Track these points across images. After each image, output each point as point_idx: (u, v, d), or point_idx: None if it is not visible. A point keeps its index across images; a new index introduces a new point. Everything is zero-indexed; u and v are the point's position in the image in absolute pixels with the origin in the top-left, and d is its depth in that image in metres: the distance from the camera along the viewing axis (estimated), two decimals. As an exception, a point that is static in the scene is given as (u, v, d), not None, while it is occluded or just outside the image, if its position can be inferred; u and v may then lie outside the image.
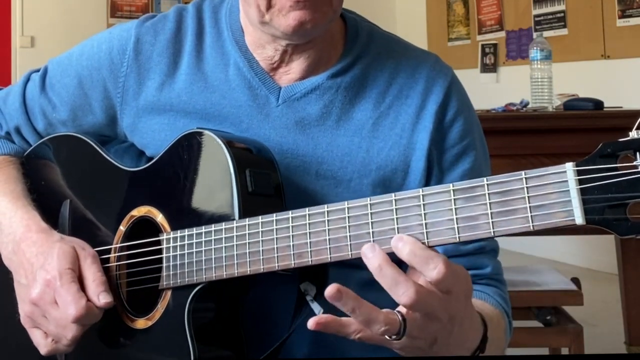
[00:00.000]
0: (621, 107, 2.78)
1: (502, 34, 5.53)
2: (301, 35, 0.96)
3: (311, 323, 0.73)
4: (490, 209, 0.71)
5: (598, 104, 2.60)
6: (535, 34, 4.95)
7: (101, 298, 0.91)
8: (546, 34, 4.76)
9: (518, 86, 3.78)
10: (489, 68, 5.64)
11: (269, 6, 0.94)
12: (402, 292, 0.72)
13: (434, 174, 1.01)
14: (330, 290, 0.72)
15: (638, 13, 4.35)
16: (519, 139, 2.43)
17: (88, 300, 0.91)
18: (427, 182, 1.01)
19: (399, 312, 0.74)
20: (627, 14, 4.41)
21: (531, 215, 0.68)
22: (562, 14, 4.92)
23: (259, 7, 0.95)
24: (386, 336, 0.74)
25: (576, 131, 2.43)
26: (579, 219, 0.66)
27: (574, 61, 4.64)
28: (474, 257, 1.03)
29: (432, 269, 0.72)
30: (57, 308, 0.91)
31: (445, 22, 6.17)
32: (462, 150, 1.03)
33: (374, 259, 0.74)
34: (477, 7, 5.80)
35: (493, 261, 1.05)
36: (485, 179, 0.72)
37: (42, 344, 0.96)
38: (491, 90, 5.05)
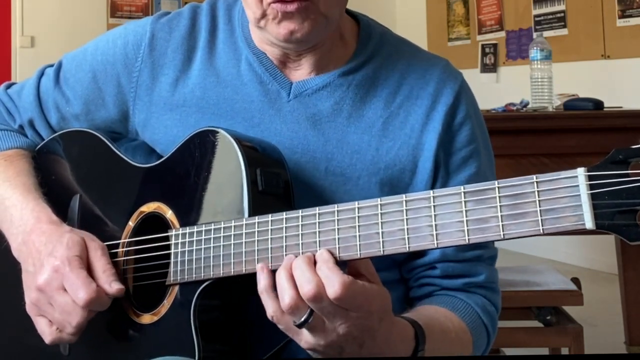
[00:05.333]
0: (621, 107, 2.78)
1: (502, 34, 5.53)
2: (294, 43, 0.98)
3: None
4: (501, 212, 0.71)
5: (598, 104, 2.60)
6: (535, 34, 4.94)
7: (113, 285, 0.92)
8: (546, 34, 4.76)
9: (518, 86, 3.78)
10: (489, 68, 5.64)
11: (263, 15, 0.96)
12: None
13: (440, 175, 1.02)
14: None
15: (638, 13, 4.35)
16: (519, 139, 2.43)
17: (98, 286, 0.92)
18: (433, 183, 1.02)
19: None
20: (627, 14, 4.41)
21: (541, 219, 0.69)
22: (562, 14, 4.92)
23: (255, 14, 0.97)
24: (293, 320, 0.79)
25: (576, 131, 2.43)
26: (589, 224, 0.67)
27: (574, 61, 4.63)
28: (470, 265, 1.04)
29: (330, 287, 0.76)
30: (63, 294, 0.92)
31: (445, 22, 6.17)
32: (468, 154, 1.03)
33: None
34: (477, 7, 5.80)
35: (489, 269, 1.06)
36: (496, 182, 0.72)
37: (47, 332, 0.96)
38: (491, 90, 5.04)
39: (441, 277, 1.03)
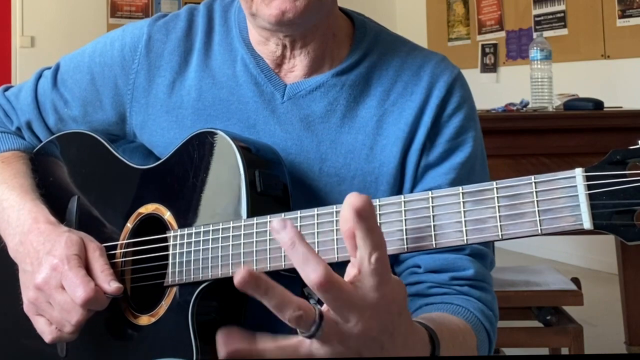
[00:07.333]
0: (621, 107, 2.79)
1: (502, 34, 5.53)
2: (286, 25, 0.96)
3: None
4: (499, 212, 0.71)
5: (598, 104, 2.61)
6: (535, 34, 4.94)
7: (112, 284, 0.92)
8: (546, 34, 4.76)
9: (518, 86, 3.79)
10: (489, 68, 5.64)
11: None
12: (311, 269, 0.64)
13: (422, 164, 1.00)
14: (242, 274, 0.63)
15: (638, 13, 4.35)
16: (519, 139, 2.43)
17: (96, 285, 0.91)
18: (415, 173, 1.00)
19: (318, 308, 0.66)
20: (627, 14, 4.41)
21: (539, 219, 0.69)
22: (562, 14, 4.92)
23: (246, 0, 0.96)
24: (299, 330, 0.66)
25: (576, 131, 2.44)
26: (586, 224, 0.67)
27: (574, 61, 4.64)
28: (453, 256, 0.99)
29: (372, 254, 0.65)
30: (62, 292, 0.92)
31: (445, 22, 6.17)
32: (455, 146, 1.01)
33: (285, 235, 0.66)
34: (477, 7, 5.80)
35: (476, 265, 1.00)
36: (494, 182, 0.72)
37: (46, 332, 0.96)
38: (491, 90, 5.05)
39: (427, 273, 0.99)
